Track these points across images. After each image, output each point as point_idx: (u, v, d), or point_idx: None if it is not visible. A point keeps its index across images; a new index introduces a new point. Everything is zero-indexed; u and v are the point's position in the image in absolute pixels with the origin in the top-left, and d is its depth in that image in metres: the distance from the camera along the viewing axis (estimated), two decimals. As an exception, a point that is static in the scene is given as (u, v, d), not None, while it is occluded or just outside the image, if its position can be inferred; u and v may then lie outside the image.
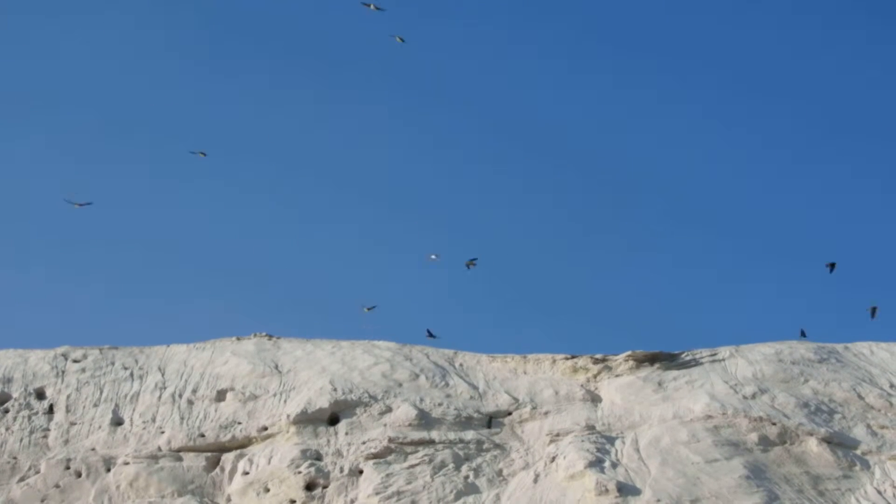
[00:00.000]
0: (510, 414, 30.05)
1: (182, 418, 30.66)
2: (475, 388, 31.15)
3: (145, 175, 77.60)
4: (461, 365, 32.66)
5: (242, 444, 29.80)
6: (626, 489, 25.53)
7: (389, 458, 28.21)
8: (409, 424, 29.25)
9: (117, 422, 30.85)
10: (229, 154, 78.04)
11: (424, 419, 29.42)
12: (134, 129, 78.88)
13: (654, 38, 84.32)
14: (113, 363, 33.32)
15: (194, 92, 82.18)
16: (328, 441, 29.11)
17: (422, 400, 30.27)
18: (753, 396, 29.54)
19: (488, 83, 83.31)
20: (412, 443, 28.64)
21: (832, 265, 32.44)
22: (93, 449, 29.82)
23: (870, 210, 76.13)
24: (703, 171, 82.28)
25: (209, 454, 29.51)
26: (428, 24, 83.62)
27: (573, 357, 32.11)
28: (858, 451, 27.65)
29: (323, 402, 30.06)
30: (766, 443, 27.54)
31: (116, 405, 31.44)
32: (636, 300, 73.02)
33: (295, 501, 27.59)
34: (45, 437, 30.40)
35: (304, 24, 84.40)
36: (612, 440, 27.97)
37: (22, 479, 28.97)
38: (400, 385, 31.09)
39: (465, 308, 71.57)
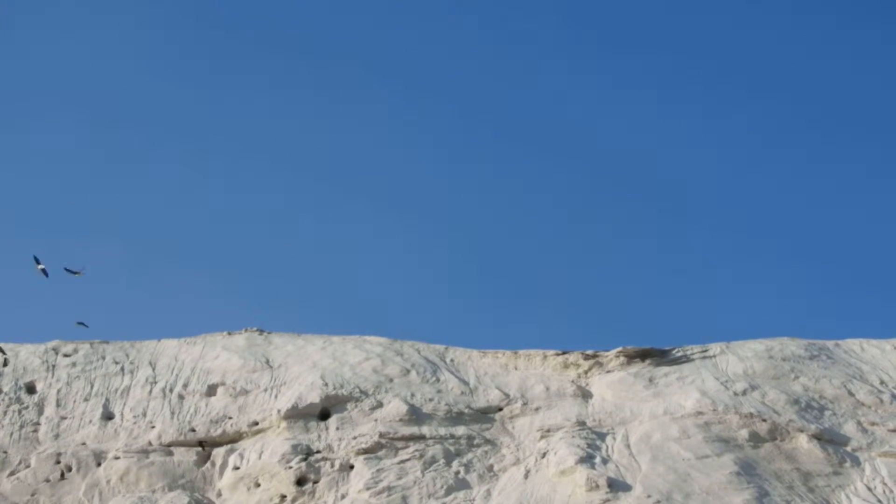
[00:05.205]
0: (501, 409, 30.06)
1: (173, 413, 30.64)
2: (466, 383, 31.16)
3: (139, 172, 77.55)
4: (452, 360, 32.66)
5: (233, 439, 29.78)
6: (616, 485, 25.55)
7: (380, 453, 28.20)
8: (400, 420, 29.25)
9: (108, 416, 30.82)
10: (223, 151, 78.10)
11: (415, 414, 29.42)
12: (130, 127, 78.85)
13: (654, 38, 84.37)
14: (103, 357, 33.28)
15: (191, 90, 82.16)
16: (319, 436, 29.09)
17: (413, 395, 30.26)
18: (744, 393, 29.58)
19: (488, 83, 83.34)
20: (403, 438, 28.64)
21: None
22: (83, 443, 29.78)
23: (864, 209, 76.30)
24: (697, 170, 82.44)
25: (200, 449, 29.48)
26: (428, 23, 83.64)
27: (564, 353, 32.12)
28: (849, 448, 27.69)
29: (314, 397, 30.05)
30: (756, 439, 27.57)
31: (107, 399, 31.41)
32: (627, 296, 73.12)
33: (286, 496, 27.56)
34: (36, 431, 30.36)
35: (304, 23, 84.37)
36: (602, 436, 27.99)
37: (12, 474, 28.92)
38: (391, 380, 31.09)
39: (457, 303, 71.64)
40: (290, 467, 27.98)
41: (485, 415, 29.93)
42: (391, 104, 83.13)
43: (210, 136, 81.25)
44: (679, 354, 32.01)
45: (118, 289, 69.51)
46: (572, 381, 30.94)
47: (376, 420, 29.39)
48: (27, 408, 31.17)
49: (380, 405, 29.96)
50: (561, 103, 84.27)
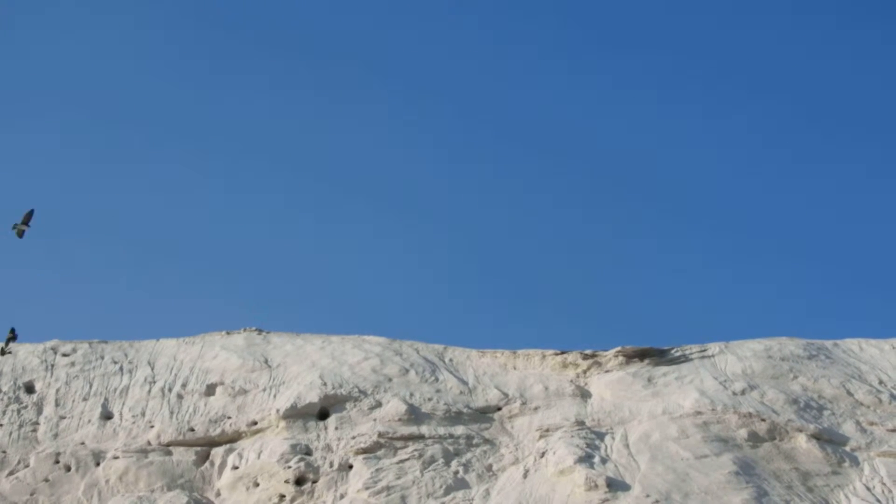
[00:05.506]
0: (500, 409, 30.06)
1: (171, 412, 30.63)
2: (465, 383, 31.15)
3: (139, 172, 77.54)
4: (451, 360, 32.65)
5: (232, 439, 29.77)
6: (615, 485, 25.55)
7: (379, 452, 28.19)
8: (399, 419, 29.25)
9: (107, 416, 30.81)
10: (223, 151, 78.10)
11: (414, 414, 29.42)
12: (130, 127, 78.86)
13: (654, 38, 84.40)
14: (102, 357, 33.27)
15: (191, 90, 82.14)
16: (318, 436, 29.09)
17: (411, 395, 30.26)
18: (743, 392, 29.58)
19: (488, 83, 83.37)
20: (402, 438, 28.63)
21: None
22: (82, 443, 29.78)
23: (864, 209, 76.32)
24: (697, 170, 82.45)
25: (199, 448, 29.48)
26: (428, 23, 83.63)
27: (563, 352, 32.12)
28: (847, 448, 27.70)
29: (313, 397, 30.05)
30: (755, 439, 27.57)
31: (106, 399, 31.40)
32: (626, 296, 73.14)
33: (284, 496, 27.56)
34: (35, 430, 30.35)
35: (304, 23, 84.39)
36: (601, 436, 27.99)
37: (11, 473, 28.91)
38: (390, 380, 31.08)
39: (456, 303, 71.67)
40: (289, 467, 27.98)
41: (484, 414, 29.93)
42: (391, 104, 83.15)
43: (210, 136, 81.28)
44: (678, 354, 32.01)
45: (117, 288, 69.60)
46: (571, 381, 30.94)
47: (375, 420, 29.39)
48: (26, 407, 31.16)
49: (379, 405, 29.96)
50: (561, 103, 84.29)
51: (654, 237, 78.32)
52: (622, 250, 77.37)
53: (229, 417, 30.28)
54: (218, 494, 28.27)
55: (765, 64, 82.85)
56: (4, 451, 29.58)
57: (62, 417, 30.81)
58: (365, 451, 28.26)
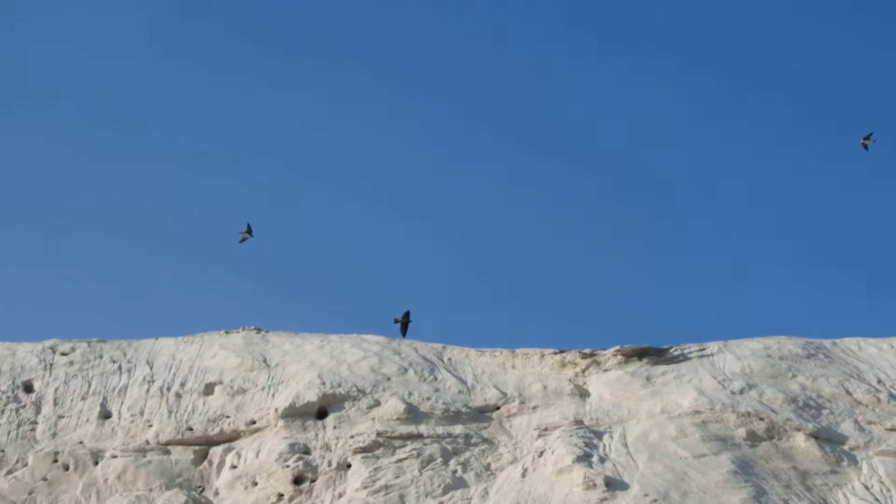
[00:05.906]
0: (498, 408, 30.06)
1: (170, 412, 30.62)
2: (463, 382, 31.14)
3: (138, 172, 77.52)
4: (450, 359, 32.64)
5: (230, 438, 29.76)
6: (613, 484, 25.54)
7: (377, 452, 28.19)
8: (398, 418, 29.25)
9: (105, 415, 30.79)
10: (222, 151, 78.07)
11: (413, 413, 29.41)
12: (129, 127, 78.79)
13: (654, 38, 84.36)
14: (101, 356, 33.25)
15: (190, 89, 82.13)
16: (316, 435, 29.09)
17: (410, 394, 30.26)
18: (741, 391, 29.57)
19: (488, 83, 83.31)
20: (400, 437, 28.63)
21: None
22: (81, 442, 29.77)
23: (863, 209, 76.31)
24: (697, 170, 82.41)
25: (197, 447, 29.48)
26: (428, 23, 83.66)
27: (561, 352, 32.10)
28: (846, 447, 27.70)
29: (311, 396, 30.04)
30: (753, 438, 27.57)
31: (104, 398, 31.38)
32: (625, 295, 73.13)
33: (283, 495, 27.56)
34: (33, 430, 30.34)
35: (304, 23, 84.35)
36: (600, 435, 27.99)
37: (9, 472, 28.91)
38: (388, 379, 31.07)
39: (455, 302, 71.64)
40: (288, 466, 27.98)
41: (482, 413, 29.92)
42: (391, 104, 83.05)
43: (209, 136, 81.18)
44: (676, 353, 31.99)
45: (116, 288, 69.57)
46: (570, 380, 30.93)
47: (374, 419, 29.38)
48: (24, 406, 31.15)
49: (377, 404, 29.96)
50: (561, 103, 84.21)
51: (652, 236, 78.27)
52: (621, 249, 77.30)
53: (228, 417, 30.28)
54: (216, 494, 28.26)
55: (765, 64, 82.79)
56: (3, 451, 29.57)
57: (61, 416, 30.80)
58: (363, 450, 28.26)
